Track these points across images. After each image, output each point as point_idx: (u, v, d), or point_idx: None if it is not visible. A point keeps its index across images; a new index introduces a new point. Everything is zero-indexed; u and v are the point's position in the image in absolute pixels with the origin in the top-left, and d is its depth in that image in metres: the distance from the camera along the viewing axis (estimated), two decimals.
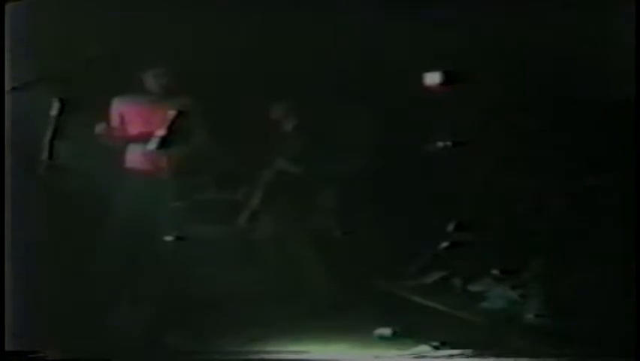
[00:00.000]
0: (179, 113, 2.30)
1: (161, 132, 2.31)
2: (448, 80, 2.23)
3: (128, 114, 2.36)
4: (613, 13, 2.19)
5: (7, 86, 2.29)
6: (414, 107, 2.25)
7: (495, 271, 2.25)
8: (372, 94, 2.25)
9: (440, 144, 2.24)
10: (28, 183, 2.32)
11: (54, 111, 2.32)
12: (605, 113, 2.20)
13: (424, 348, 2.23)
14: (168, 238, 2.30)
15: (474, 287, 2.26)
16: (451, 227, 2.25)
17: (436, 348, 2.22)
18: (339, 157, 2.26)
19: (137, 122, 2.35)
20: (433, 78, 2.23)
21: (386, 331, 2.26)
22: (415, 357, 2.20)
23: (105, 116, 2.37)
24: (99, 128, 2.33)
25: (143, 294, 2.31)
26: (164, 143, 2.31)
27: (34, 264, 2.30)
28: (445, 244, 2.25)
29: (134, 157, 2.36)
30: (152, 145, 2.32)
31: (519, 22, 2.21)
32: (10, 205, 2.30)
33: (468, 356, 2.19)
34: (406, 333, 2.26)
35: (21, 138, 2.32)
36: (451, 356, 2.19)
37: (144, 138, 2.33)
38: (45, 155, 2.33)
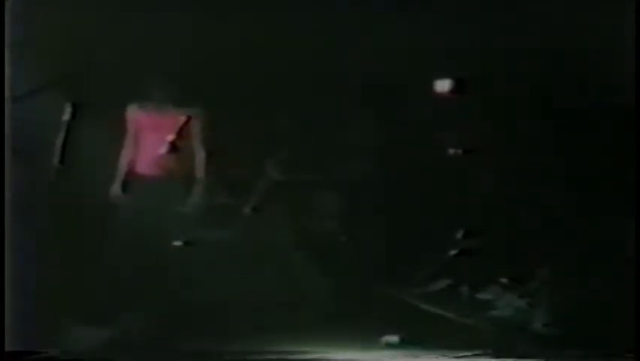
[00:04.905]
0: (189, 119, 2.32)
1: (170, 137, 2.32)
2: (458, 88, 2.24)
3: (139, 121, 2.36)
4: (618, 20, 2.22)
5: (7, 87, 2.31)
6: (424, 114, 2.26)
7: (503, 279, 2.24)
8: (381, 100, 2.26)
9: (450, 151, 2.25)
10: (36, 186, 2.32)
11: (66, 116, 2.33)
12: (612, 120, 2.21)
13: (431, 355, 2.23)
14: (177, 243, 2.31)
15: (482, 295, 2.25)
16: (459, 234, 2.25)
17: (444, 356, 2.21)
18: (345, 163, 2.27)
19: (148, 129, 2.35)
20: (443, 85, 2.25)
21: (393, 338, 2.25)
22: None
23: (116, 122, 2.36)
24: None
25: (148, 295, 2.30)
26: (174, 147, 2.32)
27: (37, 264, 2.30)
28: (453, 252, 2.25)
29: (145, 162, 2.36)
30: (162, 150, 2.33)
31: (530, 30, 2.23)
32: (12, 206, 2.30)
33: None
34: (413, 340, 2.25)
35: (27, 140, 2.33)
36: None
37: (155, 144, 2.34)
38: (56, 160, 2.34)
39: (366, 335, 2.26)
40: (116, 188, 2.32)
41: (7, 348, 2.27)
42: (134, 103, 2.32)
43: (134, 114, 2.32)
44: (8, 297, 2.29)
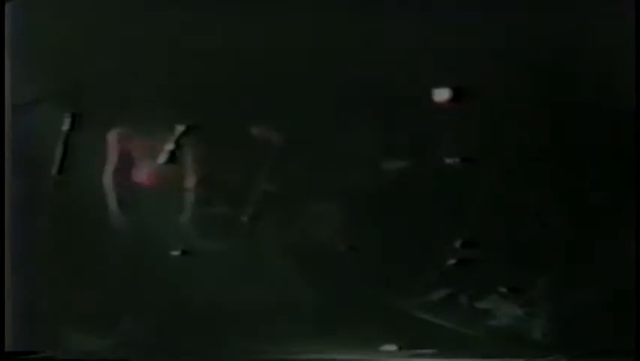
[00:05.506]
0: (186, 129, 2.32)
1: (169, 147, 2.32)
2: (457, 97, 2.23)
3: (134, 134, 2.36)
4: (618, 28, 2.19)
5: (8, 88, 2.31)
6: (422, 123, 2.24)
7: (502, 289, 2.23)
8: (379, 109, 2.25)
9: (448, 160, 2.24)
10: (35, 195, 2.34)
11: (65, 126, 2.34)
12: (612, 128, 2.19)
13: None
14: (174, 253, 2.31)
15: (481, 304, 2.24)
16: (458, 243, 2.24)
17: None
18: (344, 172, 2.26)
19: (144, 139, 2.35)
20: (441, 94, 2.24)
21: (391, 347, 2.25)
22: None
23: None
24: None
25: (145, 302, 2.31)
26: (172, 157, 2.33)
27: (37, 266, 2.32)
28: (452, 261, 2.24)
29: (142, 172, 2.36)
30: (160, 160, 2.33)
31: (528, 37, 2.21)
32: (11, 210, 2.32)
33: None
34: (411, 350, 2.25)
35: (26, 150, 2.34)
36: None
37: (152, 154, 2.34)
38: (54, 170, 2.34)
39: (364, 344, 2.26)
40: (112, 199, 2.32)
41: (7, 348, 2.29)
42: (120, 119, 2.33)
43: (122, 132, 2.33)
44: (8, 297, 2.32)
